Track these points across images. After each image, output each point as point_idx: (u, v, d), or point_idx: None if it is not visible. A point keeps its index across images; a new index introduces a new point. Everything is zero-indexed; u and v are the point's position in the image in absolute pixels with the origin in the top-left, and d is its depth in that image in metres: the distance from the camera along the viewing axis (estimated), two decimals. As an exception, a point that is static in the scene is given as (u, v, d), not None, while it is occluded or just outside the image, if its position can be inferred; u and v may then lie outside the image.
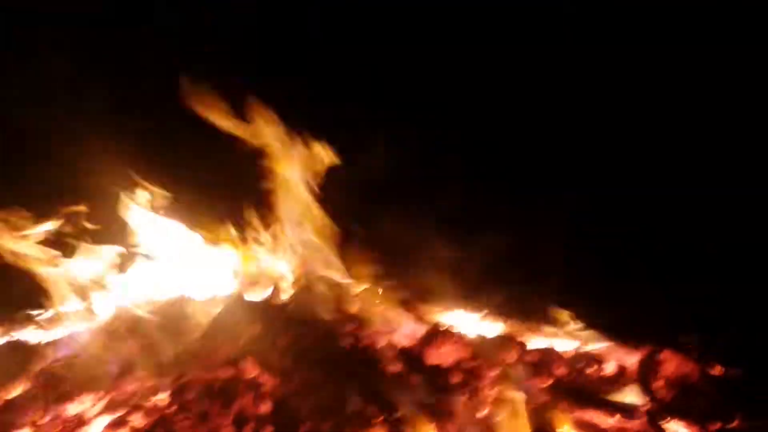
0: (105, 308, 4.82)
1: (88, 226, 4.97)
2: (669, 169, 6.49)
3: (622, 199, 6.27)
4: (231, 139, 4.76)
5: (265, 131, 4.76)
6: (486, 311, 4.83)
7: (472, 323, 4.77)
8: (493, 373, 4.16)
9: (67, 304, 4.87)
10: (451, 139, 6.55)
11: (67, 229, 4.93)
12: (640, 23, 6.96)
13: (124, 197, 5.01)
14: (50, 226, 4.90)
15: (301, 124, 4.82)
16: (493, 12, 7.04)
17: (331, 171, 4.83)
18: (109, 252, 4.97)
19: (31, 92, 6.05)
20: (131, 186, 5.01)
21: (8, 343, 4.66)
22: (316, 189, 4.80)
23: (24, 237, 4.79)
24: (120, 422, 3.92)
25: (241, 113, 4.73)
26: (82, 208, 4.98)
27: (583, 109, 6.74)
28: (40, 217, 4.89)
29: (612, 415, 4.02)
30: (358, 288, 4.74)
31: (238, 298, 4.66)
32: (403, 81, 6.81)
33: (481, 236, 5.24)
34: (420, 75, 6.86)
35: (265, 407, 3.89)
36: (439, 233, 5.28)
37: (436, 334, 4.37)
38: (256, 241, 4.95)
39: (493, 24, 7.10)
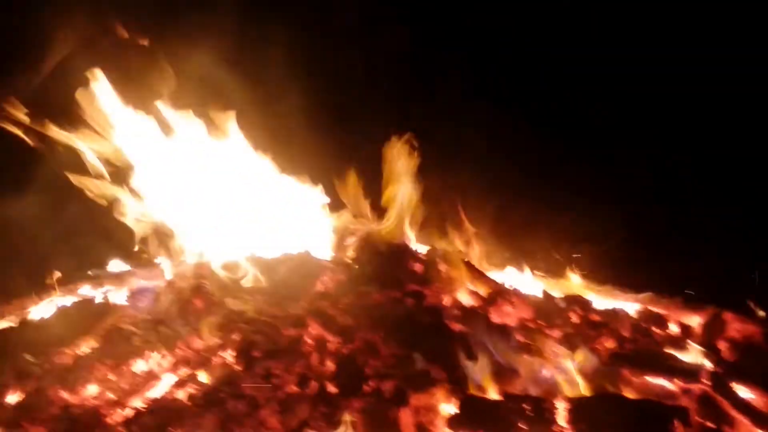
0: (172, 267, 4.89)
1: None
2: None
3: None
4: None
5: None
6: (550, 270, 4.81)
7: (536, 283, 4.74)
8: (557, 333, 4.16)
9: (135, 262, 4.98)
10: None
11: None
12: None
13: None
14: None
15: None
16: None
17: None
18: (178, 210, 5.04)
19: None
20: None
21: (77, 299, 4.75)
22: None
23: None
24: (187, 380, 3.98)
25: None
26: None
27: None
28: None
29: (676, 377, 3.95)
30: (423, 248, 4.73)
31: (305, 257, 4.69)
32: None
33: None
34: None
35: (329, 366, 3.91)
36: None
37: (500, 294, 4.38)
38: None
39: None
